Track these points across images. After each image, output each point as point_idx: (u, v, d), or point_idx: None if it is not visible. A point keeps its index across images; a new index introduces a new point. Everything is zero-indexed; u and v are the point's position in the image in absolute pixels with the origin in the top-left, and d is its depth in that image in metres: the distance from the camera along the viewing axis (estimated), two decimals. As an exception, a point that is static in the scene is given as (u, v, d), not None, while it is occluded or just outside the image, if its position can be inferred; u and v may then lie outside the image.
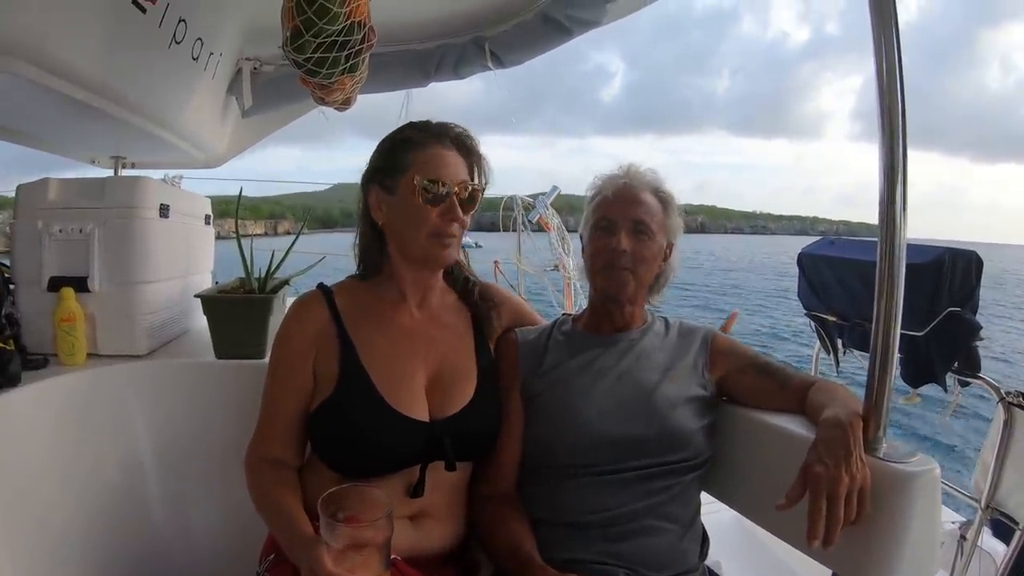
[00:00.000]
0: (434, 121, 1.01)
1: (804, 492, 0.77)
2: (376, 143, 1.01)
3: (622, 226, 1.02)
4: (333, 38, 1.12)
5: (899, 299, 0.81)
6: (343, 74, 1.18)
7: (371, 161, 1.00)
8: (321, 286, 1.02)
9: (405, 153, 0.96)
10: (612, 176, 1.09)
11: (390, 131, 1.01)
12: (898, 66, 0.77)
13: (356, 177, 1.03)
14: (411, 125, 1.00)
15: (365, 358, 0.94)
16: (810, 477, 0.77)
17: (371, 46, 1.20)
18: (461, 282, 1.10)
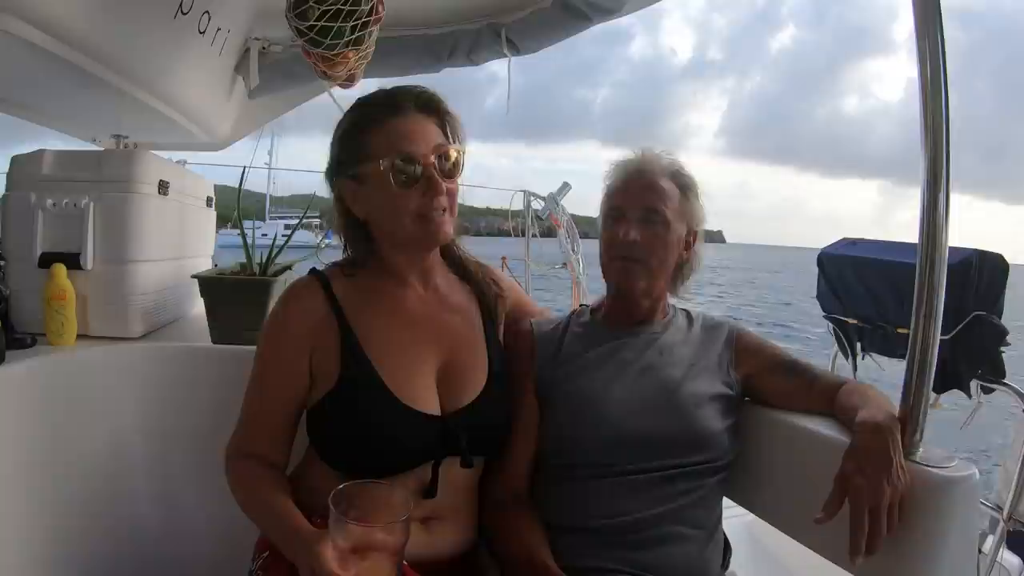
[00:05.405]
0: (387, 88, 0.89)
1: (843, 503, 0.73)
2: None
3: (631, 215, 0.96)
4: (338, 6, 1.08)
5: (940, 302, 0.78)
6: (347, 47, 1.13)
7: (331, 152, 0.90)
8: (315, 271, 0.93)
9: (364, 137, 0.86)
10: (624, 162, 1.02)
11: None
12: (943, 78, 0.76)
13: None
14: (361, 102, 0.89)
15: (369, 348, 0.86)
16: (851, 489, 0.72)
17: (379, 19, 1.16)
18: (460, 263, 1.01)
